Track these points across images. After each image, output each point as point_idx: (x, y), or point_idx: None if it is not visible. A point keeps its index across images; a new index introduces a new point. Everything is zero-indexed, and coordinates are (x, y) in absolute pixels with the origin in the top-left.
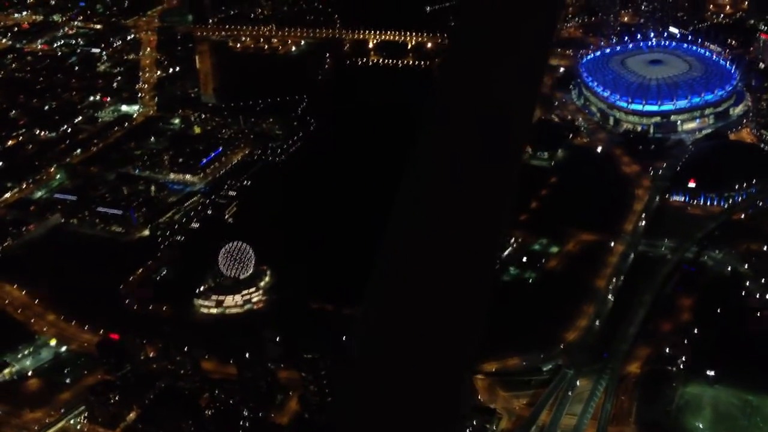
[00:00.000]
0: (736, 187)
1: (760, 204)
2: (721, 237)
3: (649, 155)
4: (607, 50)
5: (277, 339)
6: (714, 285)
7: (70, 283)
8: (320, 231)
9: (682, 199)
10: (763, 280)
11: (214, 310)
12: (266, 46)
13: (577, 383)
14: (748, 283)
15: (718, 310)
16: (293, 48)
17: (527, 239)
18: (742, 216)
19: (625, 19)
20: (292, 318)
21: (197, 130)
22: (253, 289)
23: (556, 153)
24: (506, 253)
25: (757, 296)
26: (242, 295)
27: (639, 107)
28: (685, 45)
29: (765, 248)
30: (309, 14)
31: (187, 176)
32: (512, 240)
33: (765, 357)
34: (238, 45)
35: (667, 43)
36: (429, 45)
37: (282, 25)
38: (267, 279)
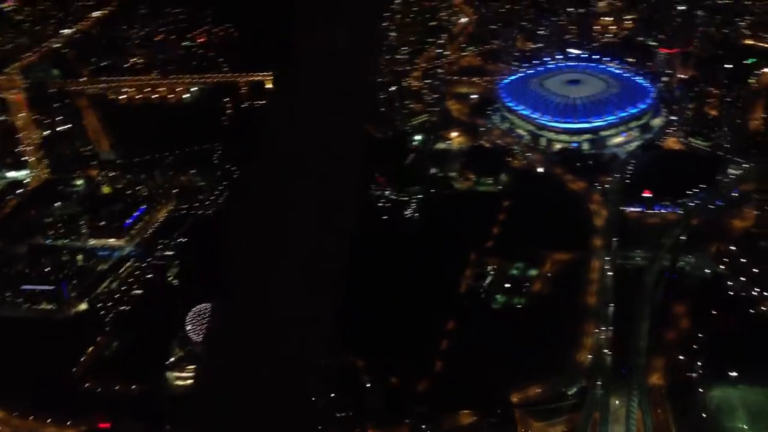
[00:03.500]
0: (688, 193)
1: (713, 206)
2: (690, 242)
3: (590, 171)
4: (520, 74)
5: None
6: (700, 288)
7: (12, 375)
8: None
9: (639, 210)
10: (741, 278)
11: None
12: (154, 96)
13: (608, 403)
14: (730, 283)
15: (713, 312)
16: (184, 95)
17: (502, 265)
18: (700, 220)
19: (521, 44)
20: None
21: (107, 189)
22: None
23: (499, 177)
24: (487, 281)
25: (743, 294)
26: None
27: (569, 126)
28: (593, 65)
29: (732, 248)
30: (192, 59)
31: (113, 240)
32: (489, 268)
33: None
34: (121, 97)
35: (577, 64)
36: None
37: (165, 73)
38: None
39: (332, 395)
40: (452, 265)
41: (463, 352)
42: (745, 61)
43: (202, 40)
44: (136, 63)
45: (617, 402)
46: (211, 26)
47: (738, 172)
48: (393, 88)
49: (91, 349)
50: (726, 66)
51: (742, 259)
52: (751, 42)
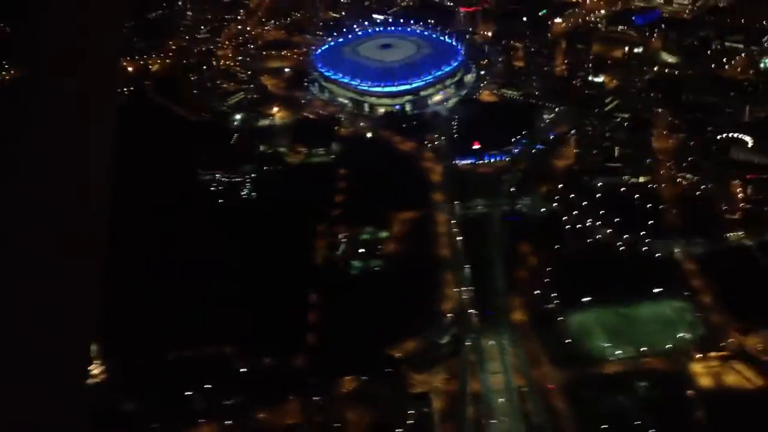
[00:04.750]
0: (511, 140)
1: (534, 150)
2: (521, 185)
3: (416, 130)
4: (332, 43)
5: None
6: (539, 227)
7: None
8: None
9: (470, 161)
10: (574, 212)
11: None
12: None
13: (481, 345)
14: (564, 218)
15: (556, 247)
16: None
17: (352, 232)
18: (526, 164)
19: (324, 14)
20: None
21: None
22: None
23: (330, 147)
24: (341, 249)
25: (578, 226)
26: None
27: (389, 89)
28: (401, 28)
29: (559, 186)
30: None
31: None
32: (341, 236)
33: (612, 274)
34: None
35: (385, 28)
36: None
37: None
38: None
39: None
40: (303, 239)
41: (332, 321)
42: (539, 13)
43: None
44: None
45: (489, 342)
46: None
47: (551, 116)
48: (204, 68)
49: None
50: (523, 19)
51: (570, 195)
52: None
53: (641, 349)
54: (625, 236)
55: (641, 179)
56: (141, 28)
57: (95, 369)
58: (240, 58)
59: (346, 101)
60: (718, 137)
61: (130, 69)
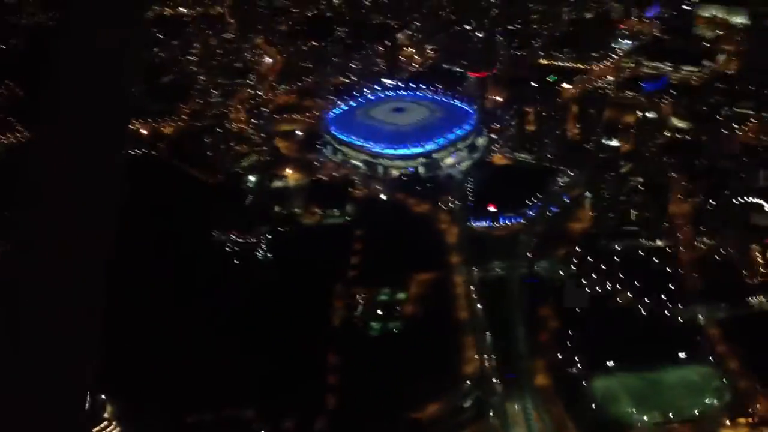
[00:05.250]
0: (526, 203)
1: (549, 213)
2: (538, 248)
3: (431, 192)
4: (344, 106)
5: None
6: (558, 290)
7: None
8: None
9: (486, 224)
10: (592, 275)
11: None
12: None
13: (505, 409)
14: (584, 281)
15: (578, 310)
16: None
17: (370, 293)
18: (542, 227)
19: (334, 79)
20: None
21: None
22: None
23: (345, 208)
24: (359, 311)
25: (598, 290)
26: None
27: (402, 152)
28: (412, 93)
29: (576, 249)
30: None
31: None
32: (358, 297)
33: (635, 338)
34: None
35: (396, 93)
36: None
37: None
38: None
39: None
40: (320, 300)
41: (352, 383)
42: (547, 78)
43: None
44: None
45: (513, 406)
46: None
47: (565, 179)
48: (217, 131)
49: None
50: (533, 84)
51: (588, 258)
52: (545, 61)
53: (669, 415)
54: (645, 300)
55: (659, 243)
56: (154, 92)
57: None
58: (252, 121)
59: (359, 163)
60: (735, 202)
61: (143, 132)
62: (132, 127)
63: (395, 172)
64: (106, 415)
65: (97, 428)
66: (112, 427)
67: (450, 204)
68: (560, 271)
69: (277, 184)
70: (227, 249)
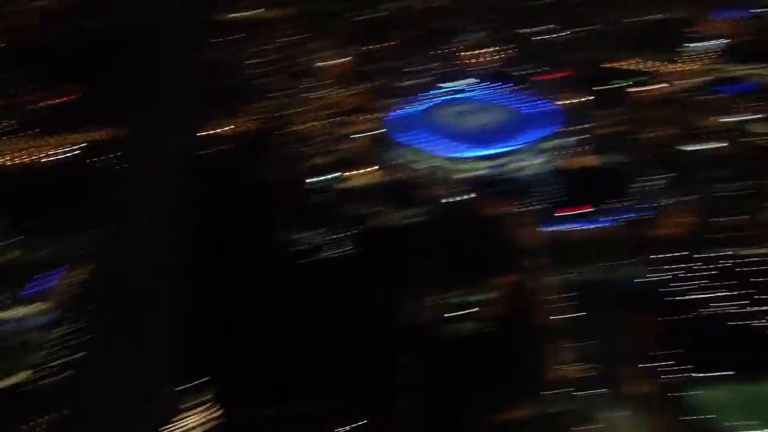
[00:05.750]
0: (612, 206)
1: (638, 217)
2: (623, 252)
3: (507, 194)
4: (413, 107)
5: None
6: (651, 296)
7: None
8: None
9: (568, 227)
10: (683, 282)
11: None
12: (24, 159)
13: (598, 416)
14: (674, 287)
15: (676, 317)
16: (57, 156)
17: (446, 294)
18: (626, 230)
19: (402, 80)
20: None
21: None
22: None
23: (416, 209)
24: (434, 312)
25: (690, 296)
26: None
27: (476, 153)
28: (484, 94)
29: (668, 255)
30: (53, 119)
31: (29, 308)
32: (433, 298)
33: (737, 346)
34: None
35: (469, 94)
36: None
37: (29, 134)
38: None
39: None
40: (393, 300)
41: (430, 386)
42: (627, 80)
43: (61, 99)
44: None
45: (607, 415)
46: (59, 85)
47: (655, 183)
48: (284, 131)
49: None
50: (609, 87)
51: (681, 264)
52: (622, 63)
53: None
54: (747, 309)
55: (759, 251)
56: (220, 93)
57: (201, 417)
58: (319, 122)
59: (427, 166)
60: None
61: (210, 132)
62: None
63: (466, 175)
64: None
65: (191, 412)
66: (204, 410)
67: (529, 206)
68: (648, 276)
69: (344, 185)
70: (297, 249)
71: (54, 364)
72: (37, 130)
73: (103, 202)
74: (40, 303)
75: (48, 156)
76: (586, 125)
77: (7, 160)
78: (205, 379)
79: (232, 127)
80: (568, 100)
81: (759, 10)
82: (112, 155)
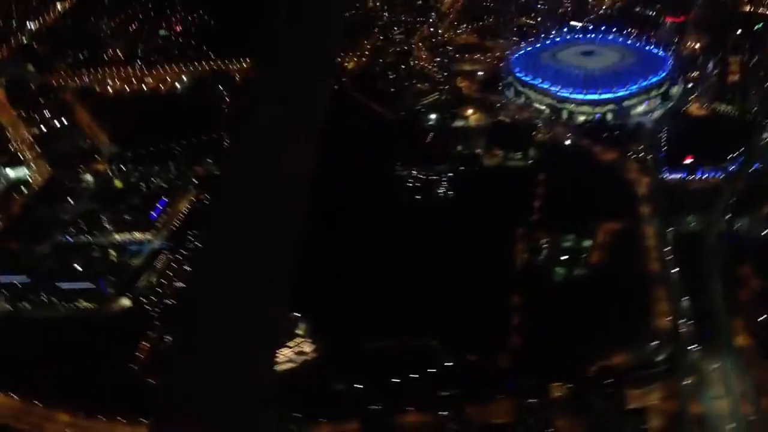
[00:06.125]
0: (727, 157)
1: (753, 169)
2: (739, 205)
3: (619, 141)
4: (530, 48)
5: None
6: (759, 248)
7: (68, 377)
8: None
9: (679, 176)
10: None
11: None
12: (142, 87)
13: (702, 366)
14: None
15: None
16: (176, 85)
17: (554, 238)
18: (744, 183)
19: (519, 20)
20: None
21: (119, 184)
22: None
23: (527, 151)
24: (543, 255)
25: None
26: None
27: (590, 97)
28: (603, 36)
29: None
30: (173, 48)
31: (140, 234)
32: (542, 242)
33: None
34: (109, 89)
35: (585, 36)
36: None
37: (150, 63)
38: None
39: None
40: (502, 241)
41: (536, 326)
42: (754, 27)
43: (179, 28)
44: (115, 55)
45: (711, 364)
46: (180, 13)
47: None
48: (400, 68)
49: (146, 345)
50: (736, 31)
51: None
52: (750, 8)
53: None
54: None
55: None
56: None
57: (306, 347)
58: (435, 59)
59: (543, 107)
60: None
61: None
62: None
63: (581, 118)
64: (299, 332)
65: (292, 343)
66: (305, 342)
67: (640, 153)
68: (761, 230)
69: (458, 123)
70: (409, 184)
71: (168, 288)
72: (156, 58)
73: (220, 134)
74: (156, 228)
75: (165, 85)
76: (707, 71)
77: (124, 86)
78: (301, 314)
79: (350, 59)
80: (690, 44)
81: None
82: (231, 86)
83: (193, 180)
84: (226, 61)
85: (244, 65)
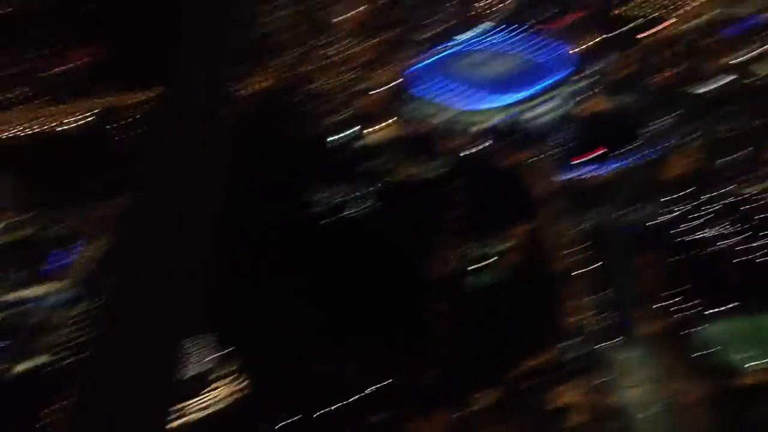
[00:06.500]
0: (624, 149)
1: (648, 159)
2: (638, 195)
3: (523, 143)
4: (432, 57)
5: None
6: (660, 237)
7: None
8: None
9: (581, 172)
10: (696, 222)
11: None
12: (34, 129)
13: (620, 356)
14: (683, 227)
15: (682, 257)
16: (74, 123)
17: (470, 244)
18: (638, 173)
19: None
20: None
21: (19, 235)
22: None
23: (438, 161)
24: (460, 262)
25: (698, 235)
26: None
27: (496, 101)
28: (500, 41)
29: (678, 195)
30: (73, 83)
31: (39, 288)
32: (458, 249)
33: (744, 283)
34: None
35: (483, 41)
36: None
37: (41, 102)
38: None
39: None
40: (419, 252)
41: (459, 334)
42: (635, 24)
43: (79, 61)
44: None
45: (624, 354)
46: (78, 47)
47: (664, 124)
48: (302, 88)
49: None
50: (623, 28)
51: (691, 204)
52: (628, 6)
53: None
54: (753, 244)
55: (760, 186)
56: (234, 51)
57: (228, 387)
58: (338, 77)
59: (450, 115)
60: None
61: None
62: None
63: (488, 122)
64: (222, 371)
65: (218, 379)
66: (227, 381)
67: (545, 153)
68: (660, 218)
69: (366, 140)
70: (322, 205)
71: (74, 344)
72: (51, 97)
73: (124, 171)
74: (58, 280)
75: (64, 124)
76: (597, 69)
77: (20, 129)
78: (230, 349)
79: (251, 85)
80: (578, 44)
81: None
82: (132, 120)
83: (97, 223)
84: (124, 96)
85: (143, 98)
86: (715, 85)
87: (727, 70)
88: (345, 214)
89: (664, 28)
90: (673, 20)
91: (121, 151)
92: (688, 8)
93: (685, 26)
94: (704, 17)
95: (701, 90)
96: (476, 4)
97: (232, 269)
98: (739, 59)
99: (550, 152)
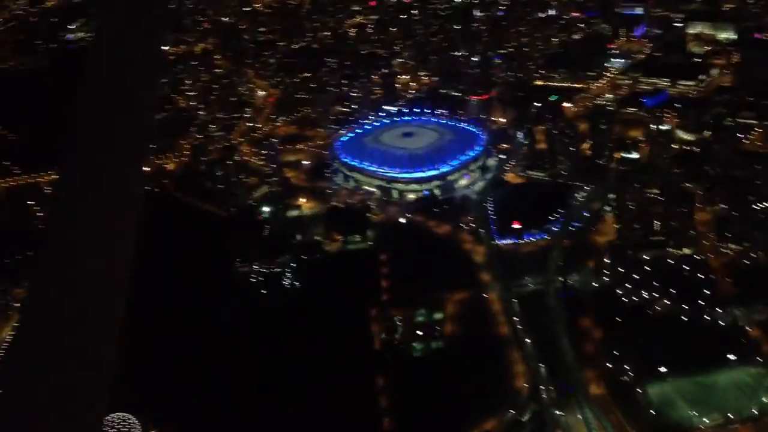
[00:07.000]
0: (548, 219)
1: (572, 228)
2: (569, 262)
3: (449, 213)
4: (352, 133)
5: None
6: (595, 301)
7: None
8: None
9: (510, 241)
10: (626, 286)
11: None
12: None
13: (565, 420)
14: (619, 291)
15: (618, 319)
16: None
17: (407, 315)
18: (568, 241)
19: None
20: None
21: None
22: None
23: (366, 233)
24: (399, 332)
25: (634, 298)
26: None
27: (416, 175)
28: (418, 118)
29: (606, 261)
30: None
31: None
32: (396, 320)
33: (680, 343)
34: None
35: (402, 118)
36: None
37: None
38: None
39: None
40: (356, 325)
41: (403, 405)
42: (549, 98)
43: None
44: None
45: (572, 417)
46: None
47: (583, 194)
48: (227, 163)
49: None
50: (535, 104)
51: (619, 269)
52: (541, 82)
53: (729, 416)
54: (683, 306)
55: (686, 251)
56: (159, 127)
57: None
58: (261, 153)
59: (373, 189)
60: (757, 207)
61: (146, 169)
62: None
63: (411, 196)
64: None
65: None
66: None
67: (471, 224)
68: (593, 283)
69: (293, 213)
70: (252, 279)
71: None
72: None
73: (35, 252)
74: None
75: None
76: (519, 141)
77: None
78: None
79: (172, 160)
80: (500, 118)
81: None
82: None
83: (12, 304)
84: (34, 175)
85: (53, 177)
86: (634, 155)
87: (644, 140)
88: (274, 285)
89: (576, 104)
90: (579, 96)
91: (30, 232)
92: (596, 85)
93: (602, 99)
94: (612, 94)
95: (624, 157)
96: (399, 79)
97: (154, 346)
98: (655, 129)
99: (476, 222)
